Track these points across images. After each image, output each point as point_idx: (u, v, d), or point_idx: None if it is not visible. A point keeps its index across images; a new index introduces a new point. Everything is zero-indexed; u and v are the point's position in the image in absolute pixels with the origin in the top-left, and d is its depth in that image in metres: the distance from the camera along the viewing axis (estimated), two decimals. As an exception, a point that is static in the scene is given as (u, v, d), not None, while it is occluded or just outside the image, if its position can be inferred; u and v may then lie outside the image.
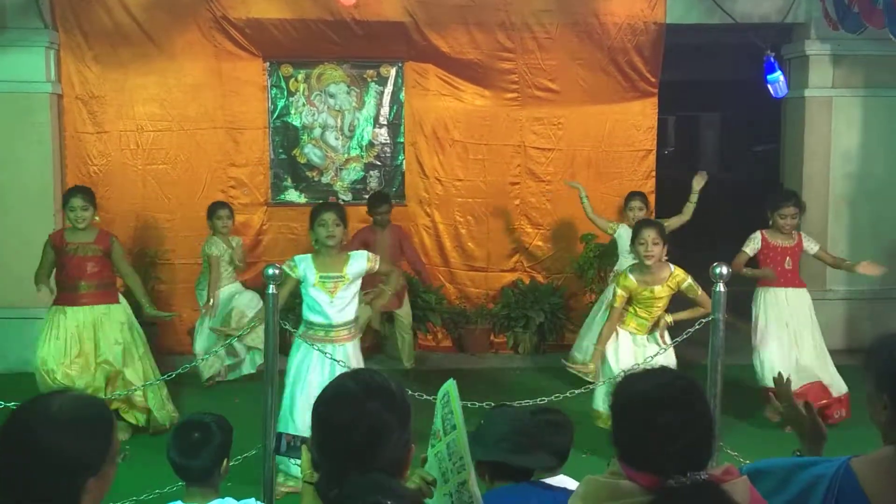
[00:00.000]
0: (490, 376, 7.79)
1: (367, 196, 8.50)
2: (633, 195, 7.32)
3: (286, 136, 8.55)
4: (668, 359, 5.60)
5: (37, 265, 6.12)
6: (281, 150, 8.56)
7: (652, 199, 8.33)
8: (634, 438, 2.01)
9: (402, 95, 8.56)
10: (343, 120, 8.59)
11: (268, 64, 8.43)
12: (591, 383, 5.67)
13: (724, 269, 4.66)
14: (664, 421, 1.96)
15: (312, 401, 2.12)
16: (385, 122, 8.61)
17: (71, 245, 5.98)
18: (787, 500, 2.21)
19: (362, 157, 8.64)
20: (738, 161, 14.35)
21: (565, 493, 2.93)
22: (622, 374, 2.30)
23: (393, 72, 8.55)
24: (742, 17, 8.17)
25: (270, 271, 4.59)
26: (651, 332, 5.71)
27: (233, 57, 8.27)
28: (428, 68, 8.50)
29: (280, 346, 4.75)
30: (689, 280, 5.57)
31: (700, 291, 5.54)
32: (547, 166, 8.63)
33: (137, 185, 8.32)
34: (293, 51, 8.34)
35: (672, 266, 5.61)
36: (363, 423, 1.98)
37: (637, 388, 2.06)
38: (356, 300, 5.23)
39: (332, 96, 8.55)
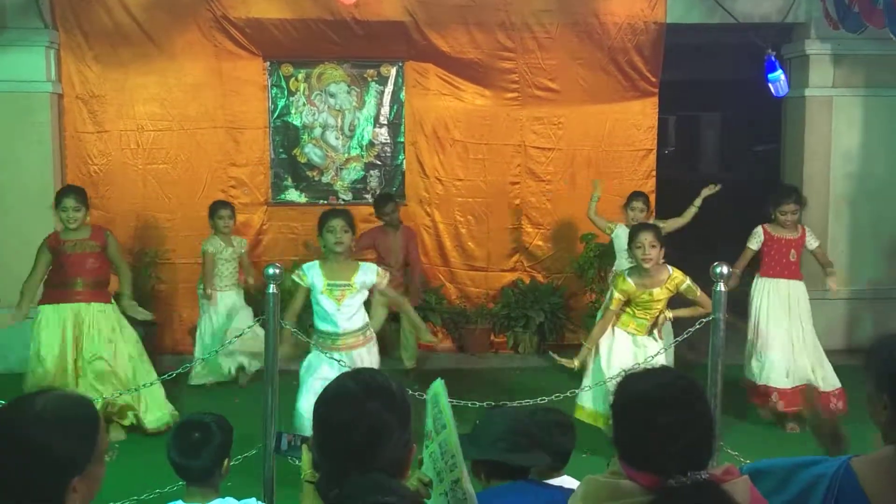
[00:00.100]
0: (490, 376, 7.80)
1: (367, 196, 8.53)
2: (635, 195, 7.31)
3: (286, 136, 8.55)
4: (667, 358, 5.60)
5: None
6: (281, 150, 8.56)
7: (652, 198, 8.33)
8: (635, 438, 2.01)
9: (403, 95, 8.56)
10: (343, 119, 8.59)
11: (268, 63, 8.43)
12: (588, 387, 5.67)
13: (725, 269, 4.66)
14: (665, 421, 1.95)
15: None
16: (385, 122, 8.61)
17: (68, 243, 5.94)
18: (787, 499, 2.21)
19: (363, 156, 8.64)
20: (738, 161, 14.36)
21: (562, 490, 2.95)
22: (621, 373, 2.30)
23: (393, 71, 8.55)
24: (742, 17, 8.16)
25: (271, 271, 4.58)
26: (650, 332, 5.71)
27: (233, 56, 8.27)
28: (428, 68, 8.50)
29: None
30: (688, 281, 5.56)
31: (699, 292, 5.54)
32: (547, 166, 8.63)
33: (138, 184, 8.33)
34: (293, 50, 8.34)
35: (670, 268, 5.60)
36: (363, 422, 1.98)
37: (637, 388, 2.06)
38: (364, 311, 5.18)
39: (332, 96, 8.55)
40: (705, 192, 7.25)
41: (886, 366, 2.13)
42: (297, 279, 5.12)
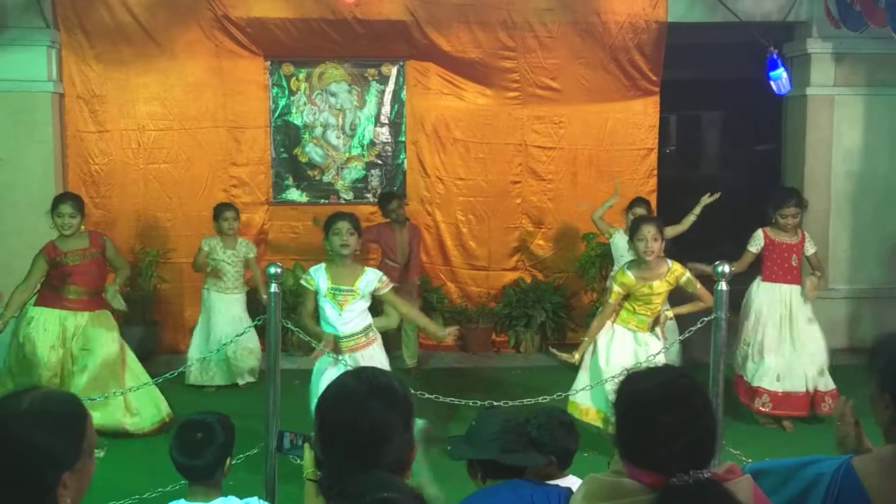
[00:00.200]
0: (492, 375, 7.80)
1: (368, 195, 8.54)
2: (637, 201, 7.24)
3: (287, 135, 8.55)
4: (669, 357, 5.59)
5: None
6: (282, 149, 8.56)
7: (653, 198, 8.34)
8: (637, 437, 2.01)
9: (404, 94, 8.56)
10: (344, 119, 8.59)
11: (269, 63, 8.43)
12: (590, 385, 5.66)
13: (726, 268, 4.65)
14: (667, 420, 1.95)
15: None
16: (386, 121, 8.61)
17: (69, 255, 5.89)
18: (788, 497, 2.21)
19: (363, 155, 8.64)
20: (739, 160, 14.33)
21: (557, 488, 2.98)
22: (623, 372, 2.29)
23: (394, 70, 8.55)
24: (744, 16, 8.16)
25: (272, 270, 4.58)
26: (652, 328, 5.70)
27: (234, 56, 8.27)
28: (429, 67, 8.50)
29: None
30: (688, 274, 5.56)
31: (699, 285, 5.54)
32: (548, 165, 8.63)
33: (139, 184, 8.33)
34: (294, 50, 8.35)
35: (669, 261, 5.60)
36: (365, 421, 1.98)
37: (640, 387, 2.06)
38: (367, 312, 5.18)
39: (333, 95, 8.55)
40: (704, 200, 7.16)
41: (889, 365, 2.14)
42: (304, 284, 5.13)
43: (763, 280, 6.54)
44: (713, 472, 1.96)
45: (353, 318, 5.06)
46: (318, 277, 5.07)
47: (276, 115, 8.52)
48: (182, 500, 3.17)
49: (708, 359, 4.57)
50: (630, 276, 5.56)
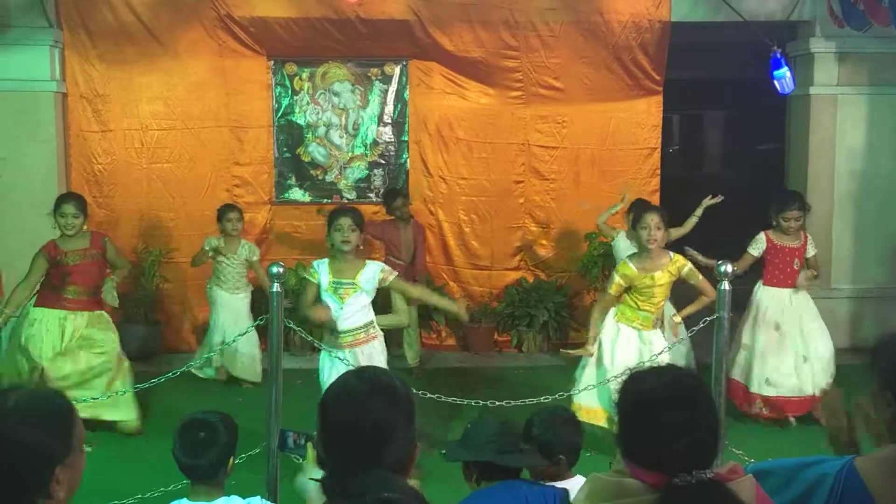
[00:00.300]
0: (494, 375, 7.80)
1: (371, 194, 8.55)
2: (638, 203, 7.23)
3: (290, 135, 8.56)
4: (678, 355, 5.57)
5: None
6: (285, 149, 8.56)
7: (656, 197, 8.32)
8: (640, 437, 2.00)
9: (407, 94, 8.56)
10: (347, 118, 8.59)
11: (272, 62, 8.44)
12: (593, 385, 5.65)
13: (729, 268, 4.65)
14: (670, 419, 1.95)
15: None
16: (389, 121, 8.62)
17: (70, 254, 5.89)
18: (791, 498, 2.21)
19: (366, 155, 8.64)
20: (742, 159, 14.31)
21: (553, 488, 3.00)
22: (626, 372, 2.29)
23: (397, 70, 8.55)
24: (747, 15, 8.15)
25: (275, 269, 4.58)
26: (656, 326, 5.68)
27: (237, 55, 8.28)
28: (432, 66, 8.50)
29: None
30: (690, 265, 5.55)
31: (700, 276, 5.53)
32: (551, 164, 8.62)
33: (142, 183, 8.34)
34: (297, 49, 8.35)
35: (671, 253, 5.60)
36: (368, 421, 1.98)
37: (642, 387, 2.06)
38: (369, 306, 5.19)
39: (336, 95, 8.56)
40: (706, 202, 7.14)
41: (891, 364, 2.13)
42: (309, 277, 5.16)
43: (764, 284, 6.52)
44: (716, 472, 1.96)
45: (353, 312, 5.07)
46: (322, 271, 5.10)
47: (279, 114, 8.52)
48: (185, 499, 3.18)
49: (710, 359, 4.56)
50: (632, 268, 5.54)
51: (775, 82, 8.03)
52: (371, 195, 8.57)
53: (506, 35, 8.31)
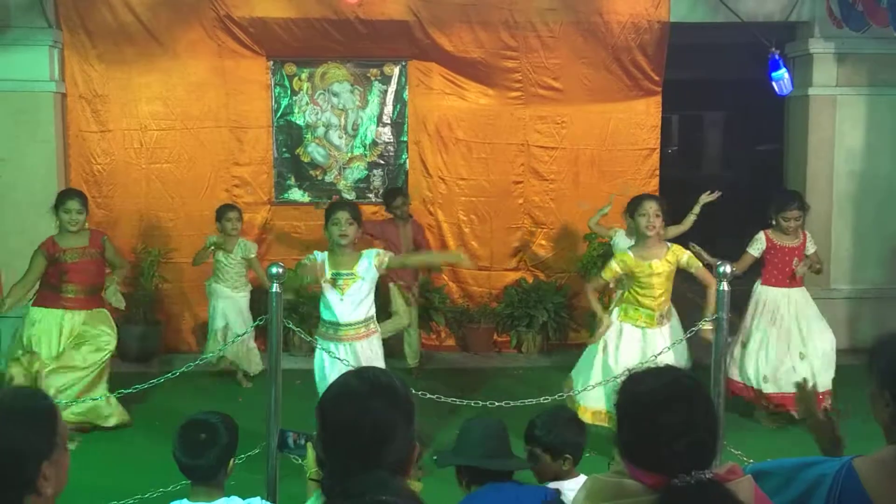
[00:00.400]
0: (493, 375, 7.80)
1: (370, 195, 8.55)
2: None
3: (290, 135, 8.56)
4: (679, 355, 5.56)
5: None
6: (284, 149, 8.57)
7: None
8: (639, 437, 2.01)
9: (406, 94, 8.57)
10: (346, 119, 8.60)
11: (271, 63, 8.44)
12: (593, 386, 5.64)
13: (728, 269, 4.65)
14: (668, 420, 1.95)
15: None
16: (388, 121, 8.62)
17: (68, 252, 5.90)
18: (790, 499, 2.21)
19: (366, 155, 8.64)
20: (741, 160, 14.32)
21: (544, 489, 3.04)
22: (626, 372, 2.30)
23: (396, 70, 8.56)
24: (746, 16, 8.16)
25: (274, 270, 4.59)
26: (661, 323, 5.67)
27: (236, 56, 8.28)
28: (431, 67, 8.51)
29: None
30: (688, 254, 5.56)
31: (700, 264, 5.53)
32: (550, 165, 8.63)
33: (141, 183, 8.34)
34: (297, 49, 8.35)
35: (669, 243, 5.62)
36: (367, 421, 1.98)
37: (642, 387, 2.06)
38: (370, 300, 5.21)
39: (335, 95, 8.56)
40: (704, 198, 7.16)
41: (889, 364, 2.14)
42: (307, 260, 5.22)
43: (762, 284, 6.53)
44: (715, 472, 1.96)
45: (355, 303, 5.09)
46: (322, 261, 5.14)
47: (279, 114, 8.52)
48: (185, 500, 3.18)
49: (709, 359, 4.56)
50: (630, 255, 5.56)
51: (774, 83, 8.04)
52: (370, 195, 8.57)
53: (505, 35, 8.32)
